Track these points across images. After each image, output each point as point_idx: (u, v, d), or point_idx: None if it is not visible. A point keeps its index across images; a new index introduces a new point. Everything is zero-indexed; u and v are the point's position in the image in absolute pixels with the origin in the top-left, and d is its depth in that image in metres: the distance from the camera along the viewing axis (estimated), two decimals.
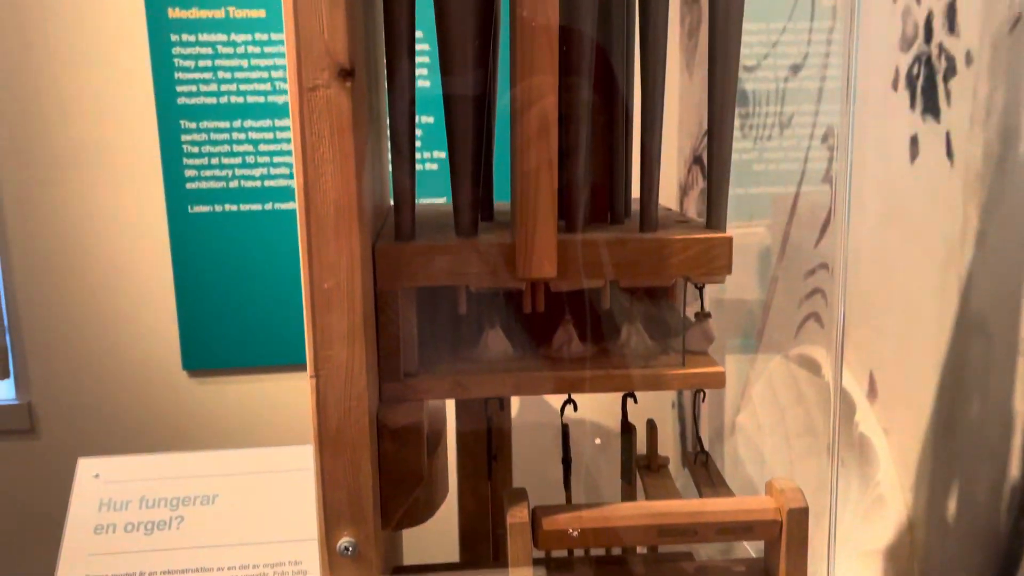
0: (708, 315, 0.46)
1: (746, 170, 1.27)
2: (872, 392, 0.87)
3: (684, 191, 1.57)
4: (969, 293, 0.72)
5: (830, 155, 0.99)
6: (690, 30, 1.47)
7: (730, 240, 0.43)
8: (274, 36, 1.36)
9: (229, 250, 1.40)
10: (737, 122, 1.33)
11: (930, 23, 0.77)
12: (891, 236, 0.84)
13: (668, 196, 1.60)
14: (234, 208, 1.39)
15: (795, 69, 1.07)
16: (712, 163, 0.44)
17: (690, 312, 0.52)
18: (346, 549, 0.40)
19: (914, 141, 0.80)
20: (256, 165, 1.38)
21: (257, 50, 1.36)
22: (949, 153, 0.75)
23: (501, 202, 0.52)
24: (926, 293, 0.78)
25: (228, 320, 1.42)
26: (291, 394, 1.45)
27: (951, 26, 0.74)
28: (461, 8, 0.37)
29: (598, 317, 0.45)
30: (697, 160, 1.49)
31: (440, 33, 0.40)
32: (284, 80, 1.36)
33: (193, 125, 1.36)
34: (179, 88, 1.35)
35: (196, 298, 1.40)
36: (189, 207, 1.38)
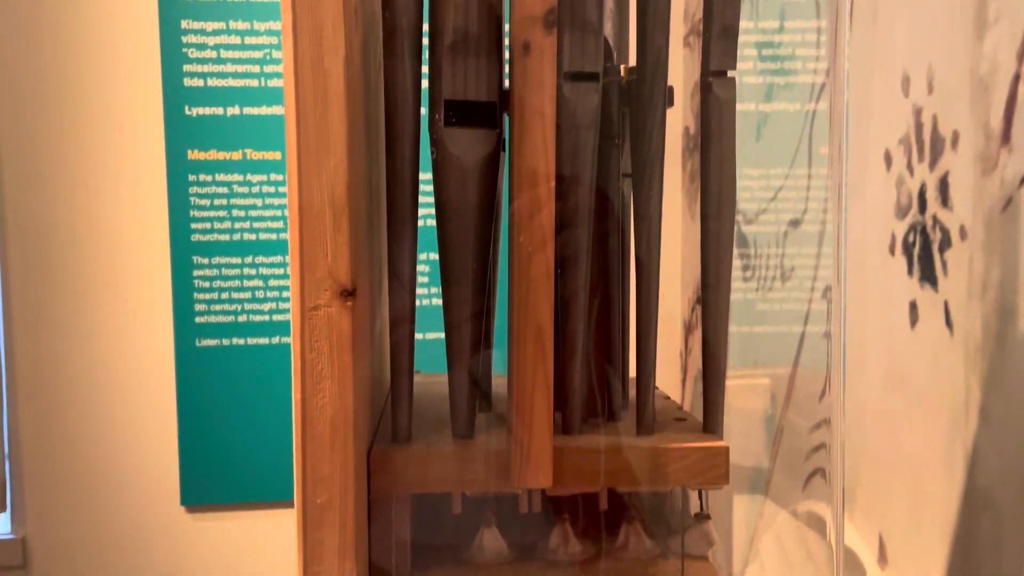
0: (708, 517, 0.46)
1: (749, 308, 1.28)
2: (882, 557, 0.85)
3: (689, 330, 1.58)
4: (975, 467, 0.71)
5: (829, 310, 1.00)
6: (692, 174, 1.50)
7: (727, 449, 0.43)
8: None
9: (234, 384, 1.40)
10: (738, 262, 1.35)
11: (924, 195, 0.79)
12: (895, 399, 0.83)
13: (671, 334, 1.60)
14: (241, 342, 1.40)
15: (795, 224, 1.09)
16: (708, 361, 0.45)
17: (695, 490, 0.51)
18: None
19: (913, 307, 0.81)
20: (265, 300, 1.40)
21: (271, 189, 1.39)
22: (948, 322, 0.75)
23: (499, 376, 0.52)
24: (933, 461, 0.77)
25: (229, 455, 1.40)
26: (290, 532, 1.42)
27: (944, 200, 0.76)
28: (461, 227, 0.39)
29: (596, 515, 0.45)
30: (700, 300, 1.50)
31: (441, 246, 0.41)
32: None
33: (205, 260, 1.39)
34: (193, 225, 1.38)
35: (198, 431, 1.40)
36: (197, 340, 1.39)
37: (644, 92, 0.41)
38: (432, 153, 0.39)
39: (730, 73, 0.41)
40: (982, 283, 0.70)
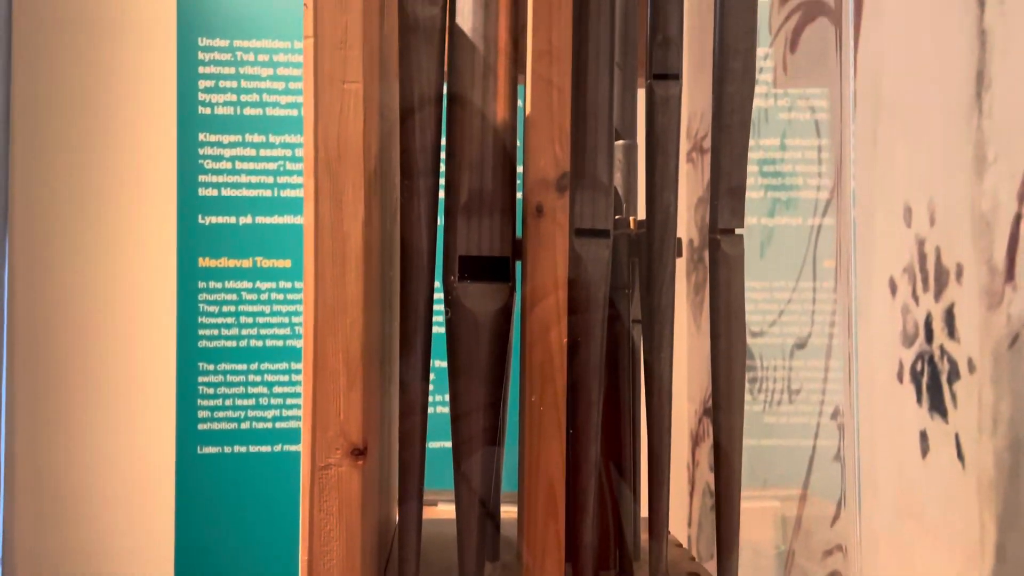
0: None
1: (756, 421, 1.26)
2: None
3: (696, 442, 1.56)
4: None
5: (839, 433, 0.99)
6: (696, 286, 1.52)
7: None
8: (297, 284, 1.42)
9: (235, 493, 1.38)
10: (747, 375, 1.34)
11: (930, 325, 0.79)
12: (908, 529, 0.82)
13: (678, 445, 1.59)
14: (243, 450, 1.39)
15: (800, 345, 1.09)
16: (721, 510, 0.44)
17: None
18: None
19: (924, 436, 0.80)
20: (269, 407, 1.40)
21: (280, 296, 1.41)
22: (960, 455, 0.74)
23: (508, 512, 0.51)
24: None
25: (228, 568, 1.37)
26: None
27: (951, 331, 0.76)
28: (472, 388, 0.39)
29: None
30: (707, 412, 1.49)
31: (452, 396, 0.41)
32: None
33: (211, 367, 1.39)
34: (201, 332, 1.39)
35: (196, 542, 1.37)
36: (199, 448, 1.38)
37: (654, 248, 0.42)
38: (446, 313, 0.40)
39: (737, 230, 0.42)
40: (992, 418, 0.70)
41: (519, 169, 0.44)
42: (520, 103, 0.44)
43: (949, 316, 0.77)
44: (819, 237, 1.18)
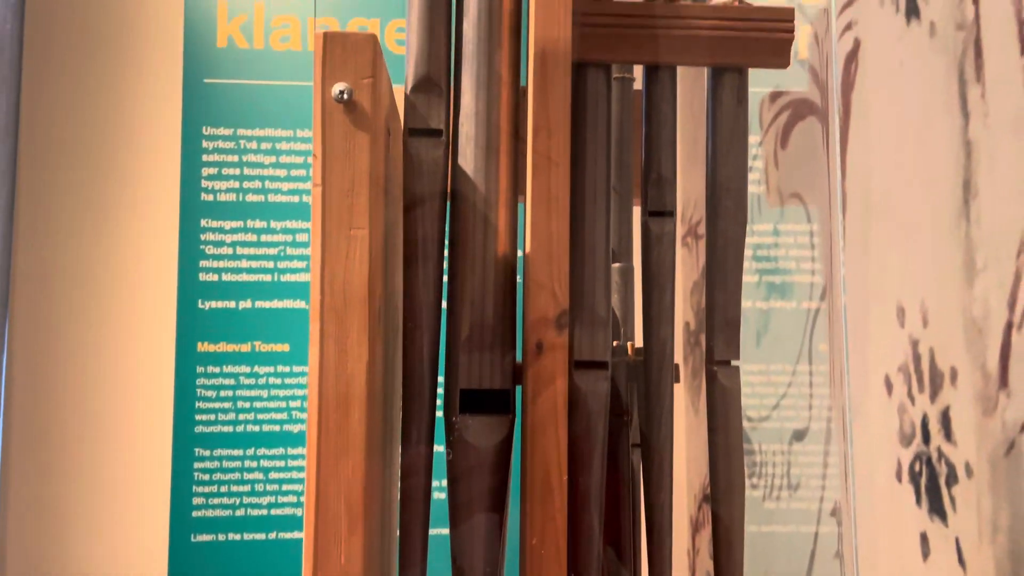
0: None
1: (756, 508, 1.25)
2: None
3: (696, 528, 1.54)
4: None
5: (838, 530, 0.98)
6: (694, 371, 1.52)
7: None
8: (296, 368, 1.42)
9: None
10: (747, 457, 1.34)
11: (926, 426, 0.80)
12: None
13: (678, 532, 1.57)
14: (238, 537, 1.37)
15: (799, 435, 1.09)
16: None
17: None
18: None
19: (924, 539, 0.79)
20: (264, 493, 1.38)
21: (278, 381, 1.41)
22: (961, 560, 0.74)
23: None
24: None
25: None
26: None
27: (947, 434, 0.77)
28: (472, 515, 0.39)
29: None
30: (707, 498, 1.48)
31: (452, 527, 0.41)
32: (300, 409, 1.40)
33: (207, 453, 1.38)
34: (198, 417, 1.38)
35: None
36: (192, 536, 1.36)
37: (652, 381, 0.43)
38: (448, 455, 0.40)
39: (733, 362, 0.43)
40: (992, 524, 0.70)
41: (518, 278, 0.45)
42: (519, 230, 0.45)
43: (945, 418, 0.77)
44: (816, 321, 1.19)
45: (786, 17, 0.42)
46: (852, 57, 0.94)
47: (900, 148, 0.85)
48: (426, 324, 0.41)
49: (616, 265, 0.51)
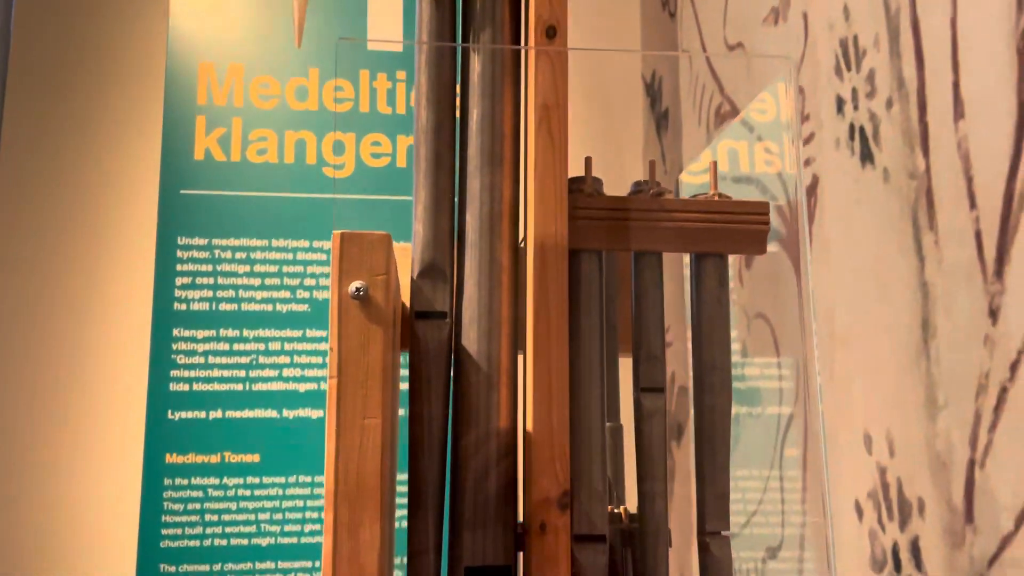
0: None
1: None
2: None
3: None
4: None
5: None
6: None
7: None
8: (266, 479, 1.40)
9: None
10: None
11: (897, 554, 0.82)
12: None
13: None
14: None
15: (773, 554, 1.11)
16: None
17: None
18: None
19: None
20: None
21: (247, 492, 1.39)
22: None
23: None
24: None
25: None
26: None
27: (918, 564, 0.79)
28: None
29: None
30: None
31: None
32: (270, 522, 1.38)
33: (172, 568, 1.35)
34: (164, 531, 1.36)
35: None
36: None
37: (648, 550, 0.45)
38: None
39: (724, 533, 0.45)
40: None
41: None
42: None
43: (915, 548, 0.80)
44: (788, 427, 1.22)
45: (762, 210, 0.46)
46: (812, 191, 0.99)
47: (859, 283, 0.89)
48: (431, 504, 0.43)
49: (608, 424, 0.53)
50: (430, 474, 0.43)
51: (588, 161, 0.46)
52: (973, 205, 0.71)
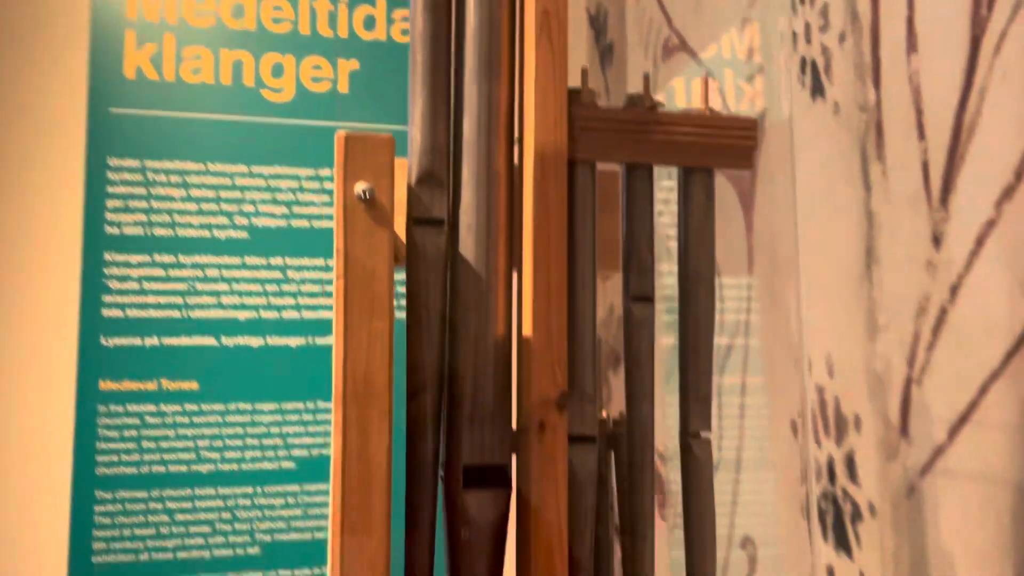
0: None
1: (665, 535, 1.31)
2: None
3: None
4: None
5: (749, 561, 1.05)
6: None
7: None
8: (204, 406, 1.39)
9: None
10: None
11: (832, 467, 0.87)
12: None
13: None
14: None
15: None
16: None
17: None
18: None
19: (830, 571, 0.87)
20: (171, 536, 1.34)
21: (186, 420, 1.37)
22: None
23: None
24: None
25: None
26: None
27: (852, 475, 0.84)
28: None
29: None
30: None
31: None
32: (209, 449, 1.37)
33: (108, 495, 1.33)
34: (99, 458, 1.33)
35: None
36: None
37: (636, 450, 0.47)
38: (450, 523, 0.43)
39: (703, 434, 0.47)
40: (894, 560, 0.77)
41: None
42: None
43: (850, 462, 0.85)
44: (728, 356, 1.26)
45: (749, 126, 0.47)
46: (759, 124, 1.02)
47: (806, 213, 0.93)
48: (429, 404, 0.44)
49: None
50: (429, 371, 0.43)
51: (584, 72, 0.46)
52: (922, 136, 0.75)
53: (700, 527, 0.46)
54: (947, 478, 0.71)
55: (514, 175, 0.47)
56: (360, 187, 0.40)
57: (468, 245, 0.45)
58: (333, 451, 0.39)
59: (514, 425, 0.46)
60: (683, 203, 0.48)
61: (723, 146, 0.47)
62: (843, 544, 0.85)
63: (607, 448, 0.48)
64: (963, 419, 0.69)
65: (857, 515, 0.83)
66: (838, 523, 0.86)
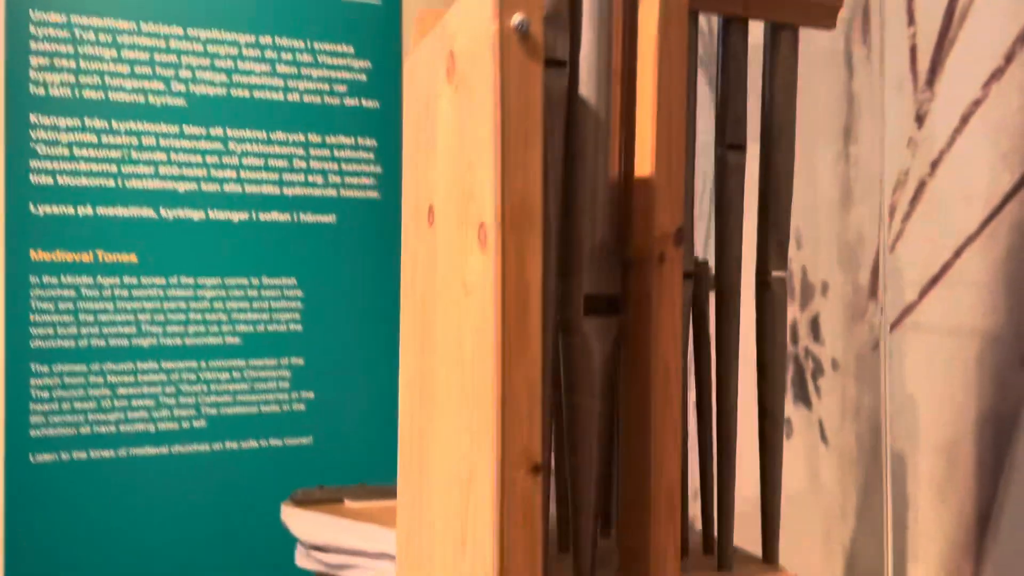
0: None
1: None
2: None
3: None
4: (852, 565, 0.87)
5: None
6: None
7: None
8: (144, 279, 1.34)
9: (74, 501, 1.29)
10: None
11: (796, 330, 0.96)
12: None
13: None
14: (83, 456, 1.30)
15: None
16: (766, 493, 0.54)
17: None
18: None
19: (788, 422, 0.96)
20: (112, 410, 1.32)
21: (125, 293, 1.33)
22: (823, 438, 0.91)
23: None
24: (811, 561, 0.92)
25: None
26: None
27: (816, 336, 0.93)
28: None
29: None
30: None
31: (568, 419, 0.48)
32: (151, 323, 1.34)
33: (45, 368, 1.29)
34: (33, 331, 1.28)
35: (30, 555, 1.27)
36: (31, 456, 1.28)
37: (724, 287, 0.51)
38: (567, 346, 0.47)
39: (779, 273, 0.52)
40: (855, 406, 0.87)
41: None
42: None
43: (814, 324, 0.93)
44: None
45: None
46: None
47: None
48: (551, 237, 0.47)
49: None
50: (553, 206, 0.46)
51: None
52: (911, 22, 0.81)
53: (771, 360, 0.52)
54: (915, 332, 0.80)
55: (634, 19, 0.49)
56: (517, 18, 0.41)
57: (589, 86, 0.47)
58: (494, 274, 0.41)
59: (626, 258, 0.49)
60: (770, 58, 0.51)
61: (811, 5, 0.51)
62: (802, 398, 0.94)
63: (701, 285, 0.52)
64: (935, 280, 0.78)
65: (819, 370, 0.92)
66: (798, 379, 0.95)
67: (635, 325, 0.48)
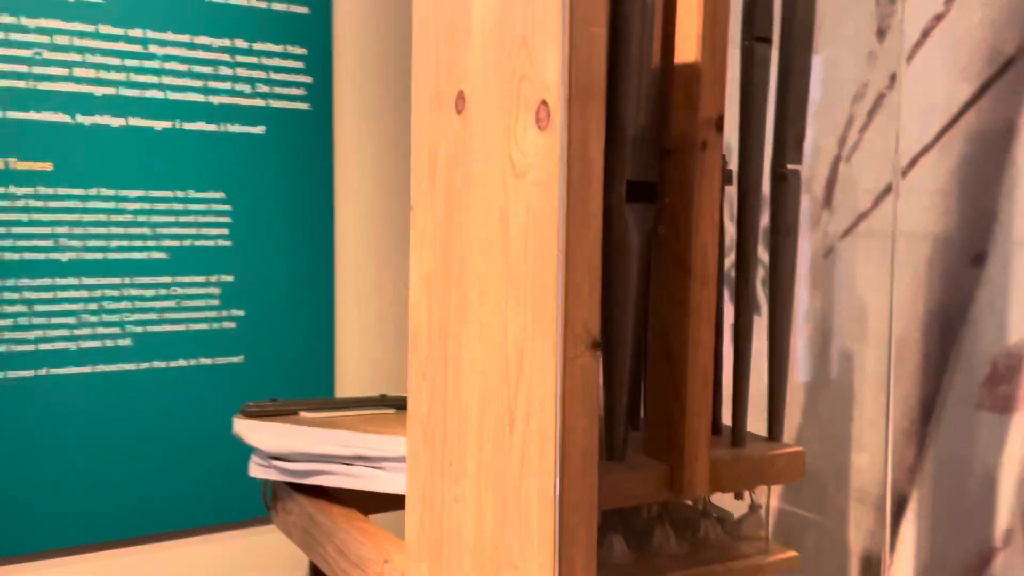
0: (760, 506, 0.58)
1: None
2: None
3: None
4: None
5: None
6: None
7: (803, 453, 0.57)
8: (60, 191, 1.26)
9: None
10: None
11: None
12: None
13: None
14: (0, 376, 1.23)
15: None
16: (773, 375, 0.57)
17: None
18: None
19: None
20: (31, 327, 1.25)
21: (40, 204, 1.25)
22: None
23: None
24: None
25: None
26: None
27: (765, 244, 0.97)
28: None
29: (683, 519, 0.56)
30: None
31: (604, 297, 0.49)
32: (68, 237, 1.27)
33: None
34: None
35: None
36: None
37: (750, 183, 0.53)
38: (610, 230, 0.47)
39: (795, 166, 0.54)
40: (809, 311, 0.92)
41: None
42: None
43: (764, 233, 0.97)
44: None
45: None
46: None
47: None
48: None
49: None
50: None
51: None
52: None
53: (783, 247, 0.54)
54: (868, 238, 0.85)
55: None
56: None
57: None
58: (560, 151, 0.41)
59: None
60: None
61: None
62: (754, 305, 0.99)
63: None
64: (889, 188, 0.82)
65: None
66: None
67: (674, 211, 0.49)
